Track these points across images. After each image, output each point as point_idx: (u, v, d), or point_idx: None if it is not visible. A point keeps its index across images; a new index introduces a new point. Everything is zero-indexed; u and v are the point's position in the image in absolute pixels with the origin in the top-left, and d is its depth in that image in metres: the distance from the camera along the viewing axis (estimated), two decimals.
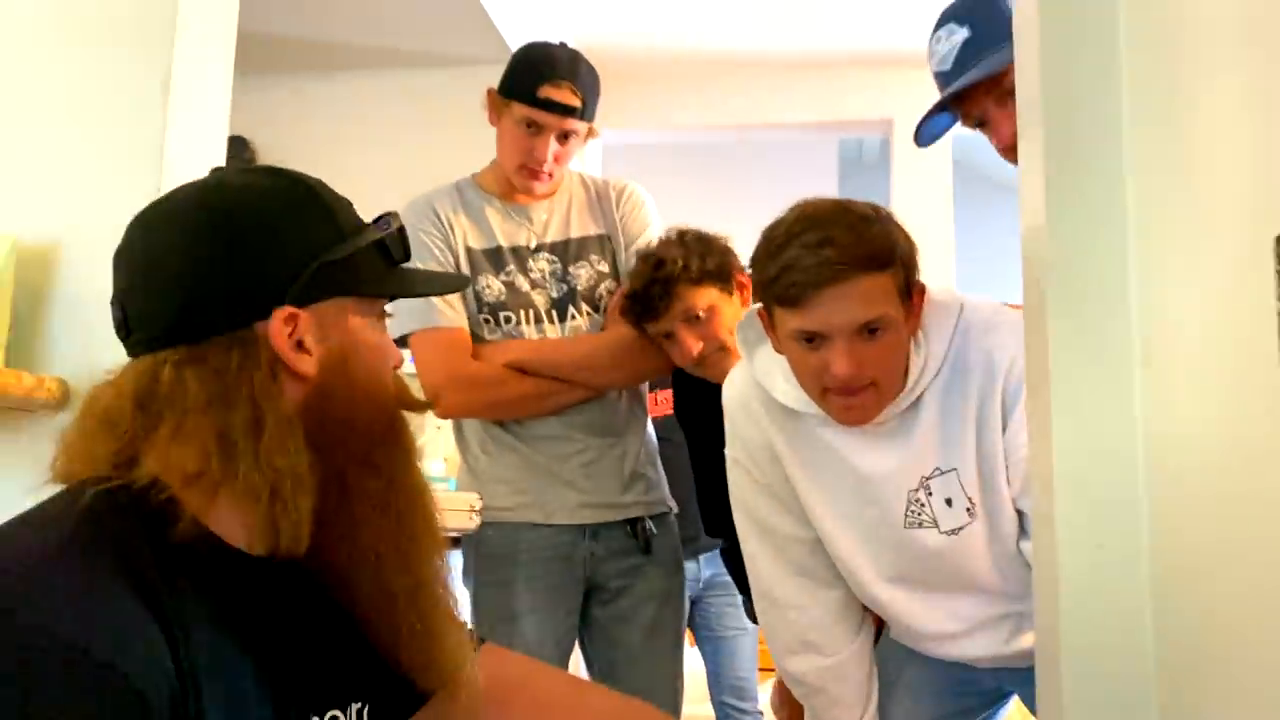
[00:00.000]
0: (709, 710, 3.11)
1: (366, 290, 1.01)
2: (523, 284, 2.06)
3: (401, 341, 2.00)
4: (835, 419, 1.49)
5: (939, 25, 1.66)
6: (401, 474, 1.02)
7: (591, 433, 2.05)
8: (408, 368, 2.85)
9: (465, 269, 2.05)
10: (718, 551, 2.50)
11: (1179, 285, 0.95)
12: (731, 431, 1.67)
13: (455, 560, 2.16)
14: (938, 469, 1.50)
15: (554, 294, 2.07)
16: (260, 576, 0.94)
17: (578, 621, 2.07)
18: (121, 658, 0.78)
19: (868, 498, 1.54)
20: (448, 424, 2.18)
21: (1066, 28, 1.09)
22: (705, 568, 3.01)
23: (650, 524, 2.08)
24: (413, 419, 1.07)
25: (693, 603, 3.05)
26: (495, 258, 2.07)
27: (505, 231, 2.09)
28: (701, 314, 1.87)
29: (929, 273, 1.54)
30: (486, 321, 2.05)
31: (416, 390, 1.10)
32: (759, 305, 1.52)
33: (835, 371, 1.41)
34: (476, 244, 2.07)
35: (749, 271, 1.58)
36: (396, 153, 3.71)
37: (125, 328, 0.96)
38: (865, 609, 1.68)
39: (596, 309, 2.08)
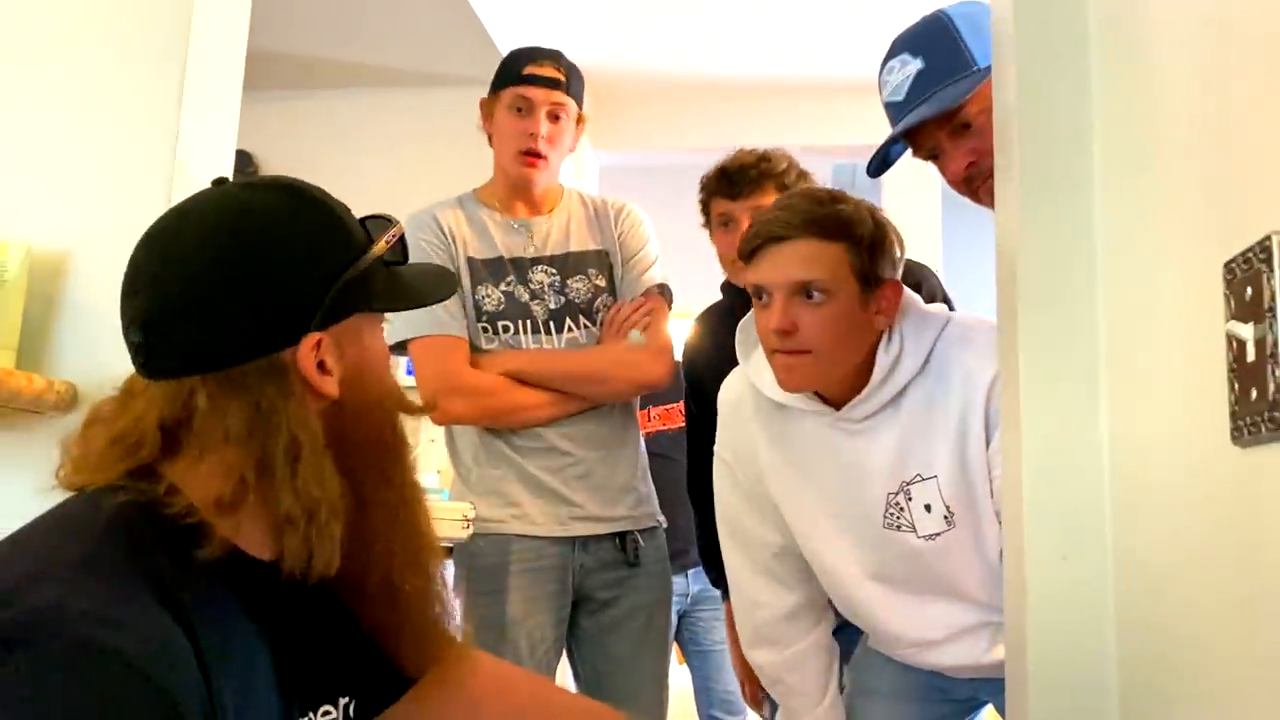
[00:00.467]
0: None
1: (379, 305, 1.02)
2: (522, 294, 2.10)
3: (399, 347, 2.04)
4: (779, 383, 1.55)
5: (891, 54, 1.62)
6: (407, 478, 1.04)
7: (584, 445, 2.09)
8: (404, 375, 2.90)
9: (465, 279, 2.08)
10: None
11: (1142, 309, 1.00)
12: (722, 430, 1.74)
13: (447, 570, 2.19)
14: (918, 475, 1.54)
15: (552, 305, 2.10)
16: (275, 581, 0.95)
17: (566, 631, 2.10)
18: (155, 668, 0.77)
19: (850, 494, 1.59)
20: (440, 435, 2.22)
21: (1041, 68, 1.14)
22: (693, 582, 3.04)
23: (639, 537, 2.11)
24: (409, 430, 1.08)
25: (680, 617, 3.08)
26: (496, 268, 2.11)
27: (506, 243, 2.12)
28: None
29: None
30: (485, 330, 2.08)
31: (414, 396, 1.13)
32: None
33: (768, 324, 1.49)
34: (477, 254, 2.11)
35: None
36: (397, 170, 3.76)
37: (146, 352, 0.94)
38: (828, 606, 1.74)
39: (594, 322, 2.12)
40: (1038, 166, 1.13)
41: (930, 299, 1.87)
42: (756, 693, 2.12)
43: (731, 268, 2.11)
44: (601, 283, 2.14)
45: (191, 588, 0.86)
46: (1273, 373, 0.72)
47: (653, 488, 2.21)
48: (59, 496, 0.95)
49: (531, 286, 2.10)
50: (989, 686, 1.63)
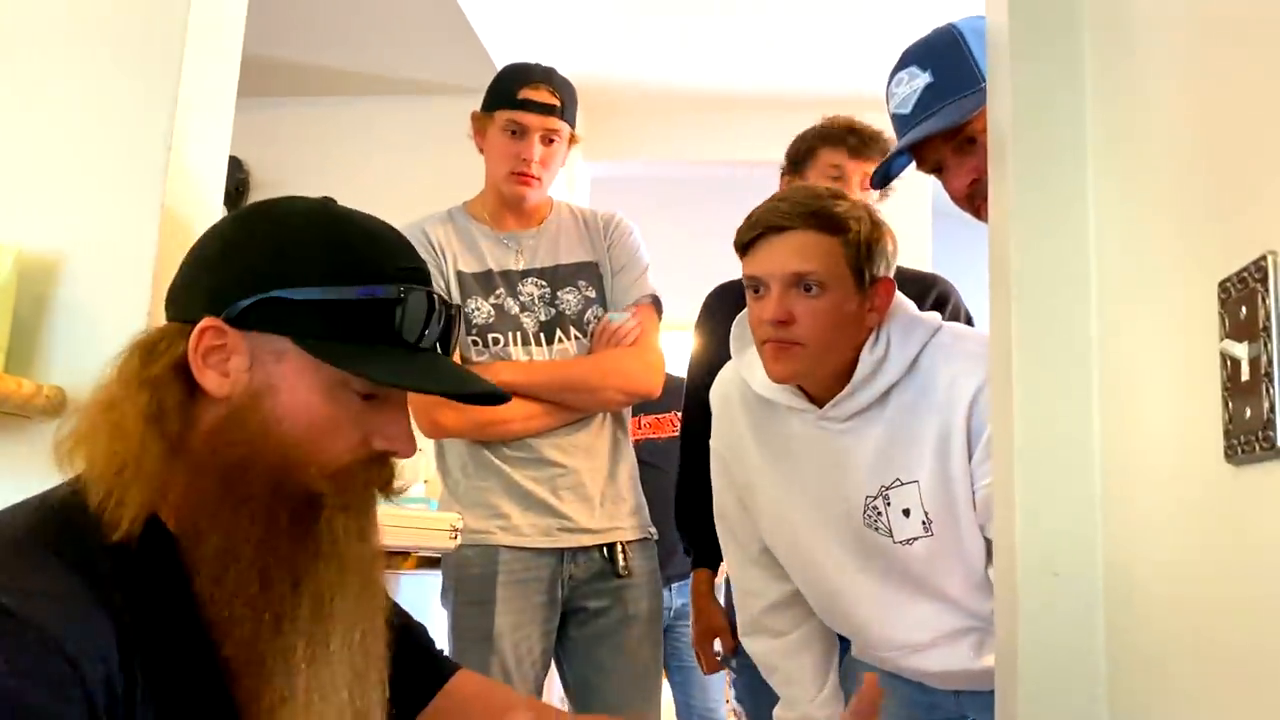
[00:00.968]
0: None
1: (308, 343, 0.93)
2: (512, 307, 2.10)
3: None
4: (768, 373, 1.56)
5: (900, 66, 1.62)
6: (308, 578, 0.92)
7: (574, 456, 2.08)
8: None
9: (455, 294, 2.09)
10: (689, 582, 2.52)
11: (1136, 327, 1.00)
12: (715, 423, 1.76)
13: (435, 580, 2.18)
14: (898, 479, 1.55)
15: (542, 317, 2.11)
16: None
17: (554, 642, 2.10)
18: (68, 638, 0.79)
19: (833, 492, 1.60)
20: (429, 446, 2.21)
21: (1036, 81, 1.15)
22: (676, 596, 3.03)
23: (629, 549, 2.10)
24: None
25: (664, 632, 3.07)
26: (485, 281, 2.11)
27: (495, 256, 2.13)
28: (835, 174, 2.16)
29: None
30: (475, 344, 2.08)
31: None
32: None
33: (763, 314, 1.51)
34: (467, 268, 2.11)
35: None
36: (389, 178, 3.75)
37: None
38: None
39: (584, 333, 2.12)
40: (1032, 182, 1.13)
41: (954, 317, 1.88)
42: (713, 659, 2.28)
43: None
44: (592, 294, 2.14)
45: (113, 560, 0.87)
46: (1267, 391, 0.72)
47: (644, 498, 2.21)
48: None
49: (521, 299, 2.11)
50: (975, 702, 1.63)
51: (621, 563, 2.08)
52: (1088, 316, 1.09)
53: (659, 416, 3.16)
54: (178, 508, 0.92)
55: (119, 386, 0.94)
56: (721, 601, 2.31)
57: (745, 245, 1.55)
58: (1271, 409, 0.72)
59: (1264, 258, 0.73)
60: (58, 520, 0.90)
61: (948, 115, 1.53)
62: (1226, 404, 0.78)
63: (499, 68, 2.25)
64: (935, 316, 1.65)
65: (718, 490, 1.77)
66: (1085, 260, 1.10)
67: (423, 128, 3.91)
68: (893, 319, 1.58)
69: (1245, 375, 0.75)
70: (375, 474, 0.99)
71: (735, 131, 4.79)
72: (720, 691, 3.15)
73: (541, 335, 2.10)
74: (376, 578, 1.00)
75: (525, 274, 2.13)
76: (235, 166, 3.86)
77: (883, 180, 1.74)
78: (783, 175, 2.32)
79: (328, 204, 1.01)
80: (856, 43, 4.07)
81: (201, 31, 1.57)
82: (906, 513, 1.54)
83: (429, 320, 0.97)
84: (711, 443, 1.77)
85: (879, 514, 1.56)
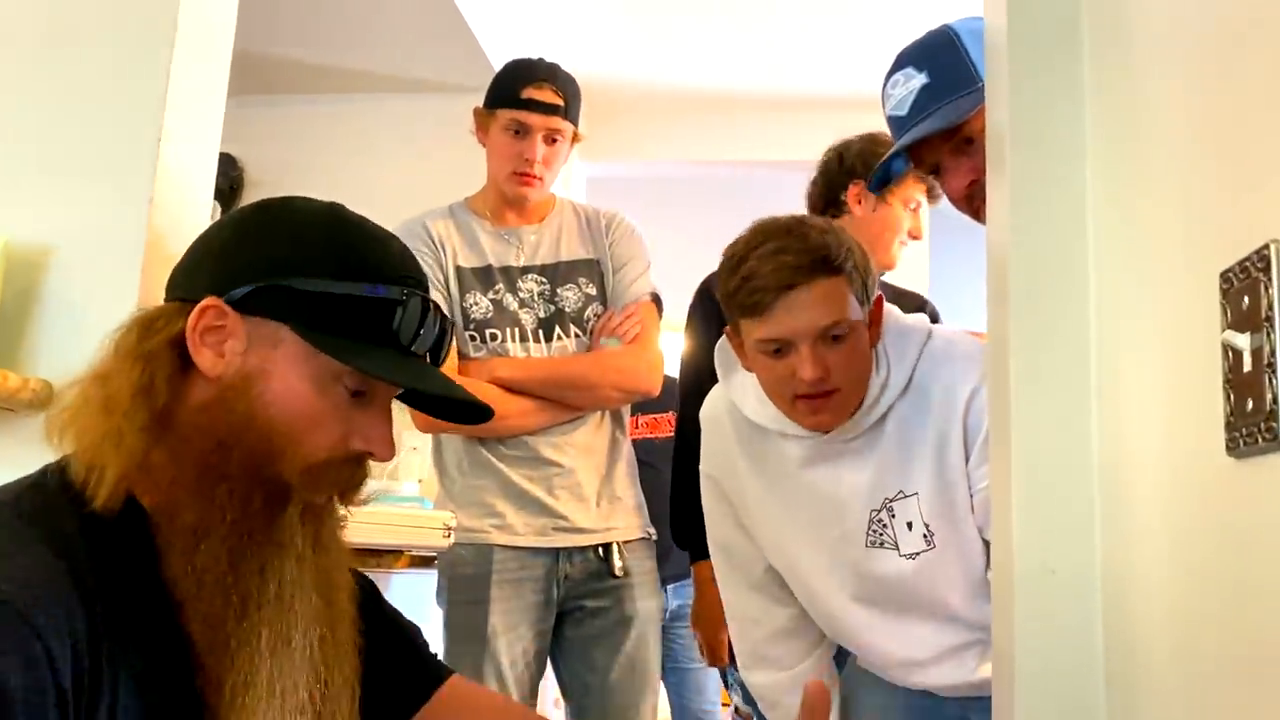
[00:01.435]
0: None
1: (308, 333, 0.95)
2: (510, 303, 2.09)
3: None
4: (803, 425, 1.52)
5: (896, 68, 1.60)
6: (271, 568, 0.93)
7: (570, 455, 2.07)
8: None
9: (454, 288, 2.08)
10: (686, 583, 2.51)
11: (1135, 319, 0.99)
12: (705, 447, 1.72)
13: (429, 579, 2.17)
14: (900, 491, 1.53)
15: (541, 314, 2.10)
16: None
17: (550, 642, 2.08)
18: (36, 613, 0.81)
19: (831, 516, 1.57)
20: (424, 445, 2.20)
21: (1034, 78, 1.13)
22: (672, 598, 3.01)
23: (625, 549, 2.09)
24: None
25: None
26: (484, 276, 2.10)
27: (495, 251, 2.12)
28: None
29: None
30: (473, 339, 2.07)
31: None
32: (728, 327, 1.57)
33: (803, 375, 1.45)
34: (466, 263, 2.10)
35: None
36: (384, 176, 3.73)
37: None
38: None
39: (584, 331, 2.11)
40: (1029, 176, 1.12)
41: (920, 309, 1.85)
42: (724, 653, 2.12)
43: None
44: (592, 291, 2.13)
45: (88, 540, 0.88)
46: (1270, 383, 0.71)
47: (643, 498, 2.19)
48: None
49: (520, 295, 2.10)
50: (979, 705, 1.61)
51: (617, 563, 2.07)
52: (1086, 311, 1.08)
53: (656, 416, 3.14)
54: (156, 482, 0.93)
55: (114, 360, 0.96)
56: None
57: (754, 308, 1.46)
58: (1274, 400, 0.70)
59: (1266, 247, 0.71)
60: (39, 500, 0.91)
61: (945, 116, 1.52)
62: (1228, 396, 0.77)
63: (495, 66, 2.24)
64: (923, 321, 1.63)
65: (714, 521, 1.72)
66: (1084, 258, 1.08)
67: (418, 126, 3.91)
68: (885, 334, 1.56)
69: (1247, 366, 0.74)
70: (346, 476, 0.99)
71: (733, 132, 4.78)
72: (716, 693, 3.13)
73: (540, 332, 2.09)
74: (338, 584, 1.01)
75: (525, 270, 2.12)
76: (229, 164, 3.85)
77: (882, 183, 1.72)
78: (852, 184, 2.31)
79: (338, 208, 1.04)
80: (856, 43, 4.06)
81: (191, 27, 1.56)
82: (910, 525, 1.53)
83: (424, 325, 0.99)
84: (701, 467, 1.73)
85: (884, 526, 1.54)
